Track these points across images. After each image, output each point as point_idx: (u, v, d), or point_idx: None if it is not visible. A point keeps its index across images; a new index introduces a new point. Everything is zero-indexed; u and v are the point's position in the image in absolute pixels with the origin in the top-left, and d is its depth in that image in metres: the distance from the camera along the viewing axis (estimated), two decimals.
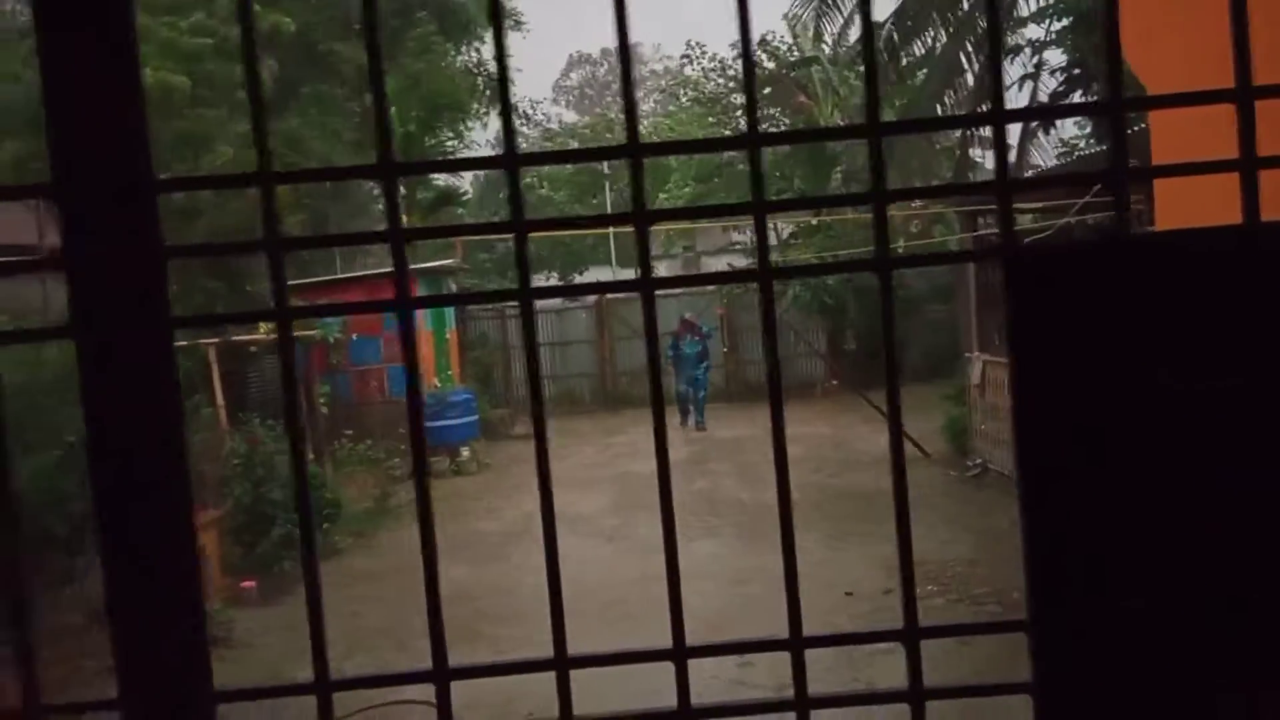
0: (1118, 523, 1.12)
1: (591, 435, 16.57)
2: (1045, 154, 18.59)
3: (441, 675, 1.16)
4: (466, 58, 21.56)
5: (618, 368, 20.69)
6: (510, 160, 1.18)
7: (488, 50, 22.37)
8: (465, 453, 14.45)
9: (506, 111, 1.22)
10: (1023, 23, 17.15)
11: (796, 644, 1.18)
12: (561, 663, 1.11)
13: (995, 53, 1.21)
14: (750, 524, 9.90)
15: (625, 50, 1.16)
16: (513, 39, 24.33)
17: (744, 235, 21.70)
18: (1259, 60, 1.27)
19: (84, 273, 1.13)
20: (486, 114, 21.85)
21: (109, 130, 1.12)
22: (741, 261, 21.39)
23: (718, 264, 21.50)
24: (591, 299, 21.00)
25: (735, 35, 1.15)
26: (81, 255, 1.13)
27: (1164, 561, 1.13)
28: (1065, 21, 16.35)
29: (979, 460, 11.51)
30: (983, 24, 16.53)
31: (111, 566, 1.13)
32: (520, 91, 29.28)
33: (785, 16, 19.24)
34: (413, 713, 5.39)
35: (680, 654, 1.14)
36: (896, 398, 1.21)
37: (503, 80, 1.21)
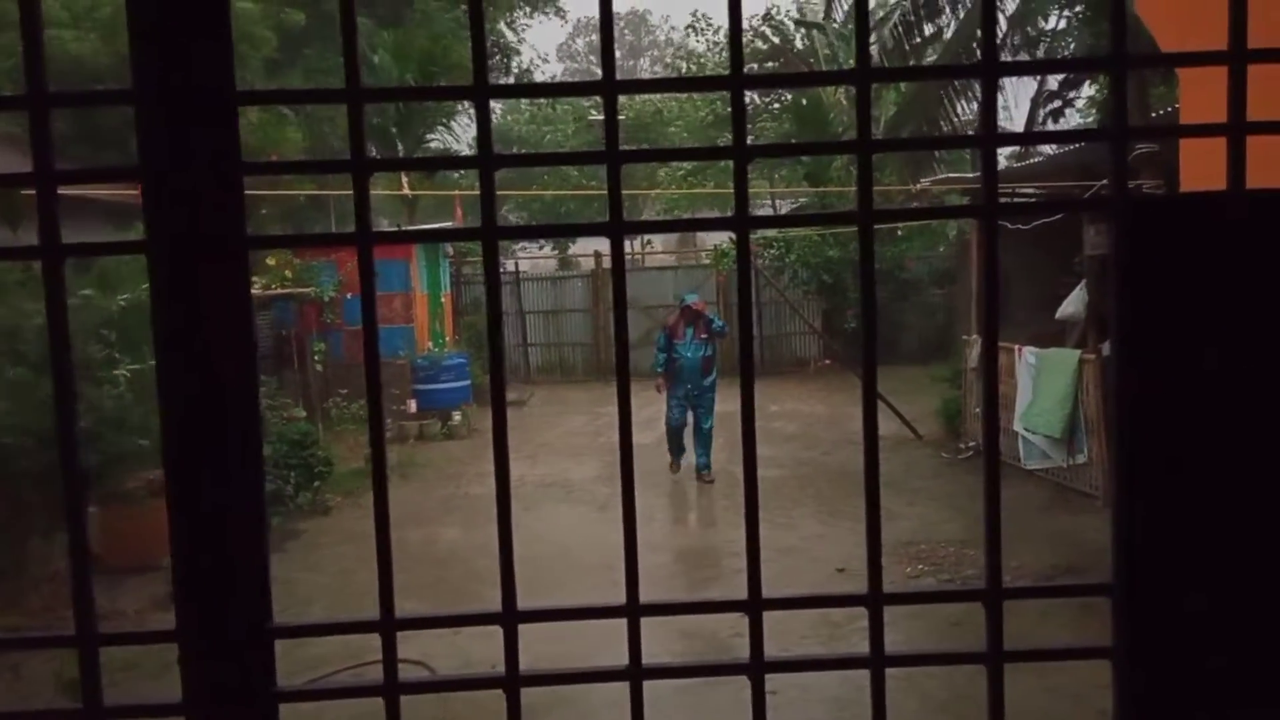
0: (1213, 491, 1.09)
1: (582, 404, 16.54)
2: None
3: (389, 625, 1.12)
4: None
5: (612, 338, 20.61)
6: (486, 160, 1.13)
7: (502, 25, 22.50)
8: (457, 417, 14.43)
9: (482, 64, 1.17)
10: (1039, 11, 17.01)
11: (754, 605, 1.15)
12: (510, 616, 1.07)
13: (989, 3, 1.16)
14: (741, 497, 9.88)
15: None
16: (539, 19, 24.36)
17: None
18: (1268, 27, 1.22)
19: (161, 186, 1.08)
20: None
21: (192, 39, 1.07)
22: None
23: (716, 237, 21.35)
24: (588, 268, 20.91)
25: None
26: (159, 168, 1.08)
27: (1258, 533, 1.10)
28: (1079, 9, 16.23)
29: (971, 443, 11.48)
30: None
31: (176, 489, 1.09)
32: (527, 59, 29.23)
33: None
34: (412, 670, 5.40)
35: (633, 611, 1.11)
36: (873, 354, 1.17)
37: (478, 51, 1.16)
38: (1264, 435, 1.10)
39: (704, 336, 11.03)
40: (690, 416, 10.99)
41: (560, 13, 25.03)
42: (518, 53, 24.59)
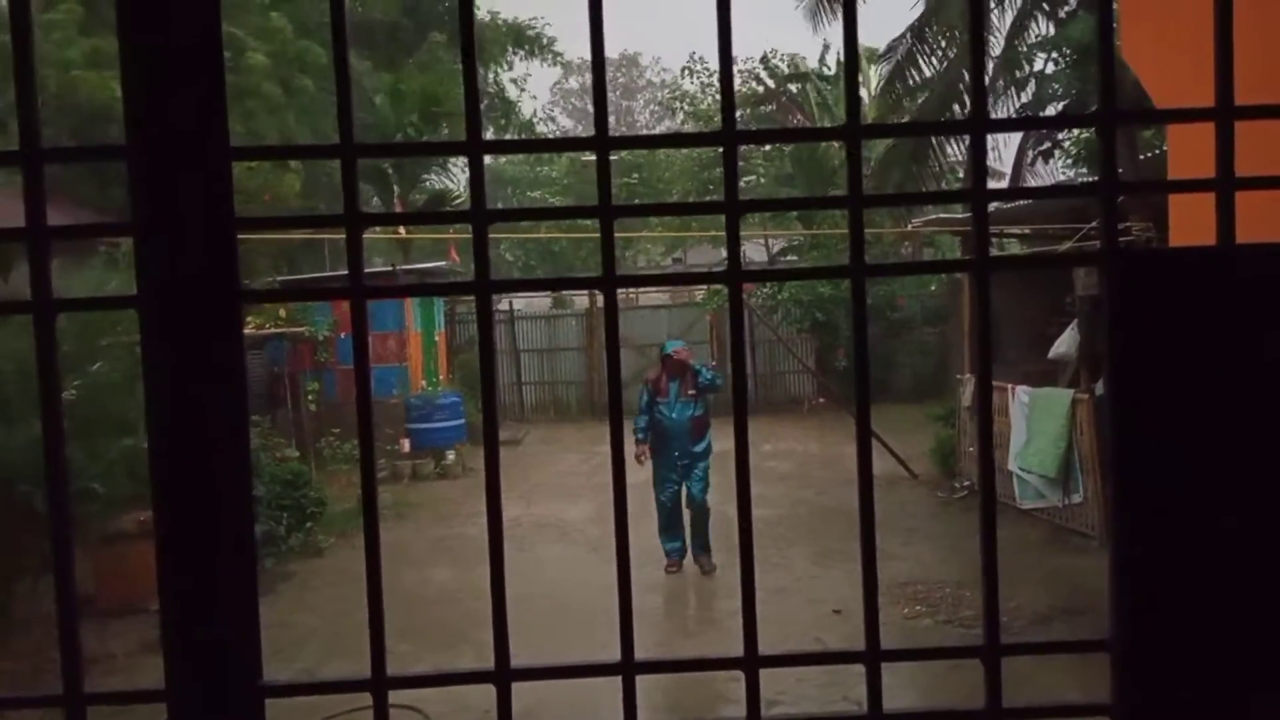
0: (1211, 540, 1.08)
1: (577, 443, 16.50)
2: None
3: (380, 684, 1.11)
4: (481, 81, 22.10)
5: (605, 376, 20.58)
6: (479, 215, 1.14)
7: (503, 75, 22.78)
8: (451, 456, 14.38)
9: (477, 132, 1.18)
10: (1025, 57, 17.17)
11: (751, 663, 1.14)
12: (503, 675, 1.06)
13: (977, 57, 1.17)
14: (736, 540, 9.80)
15: (598, 37, 1.12)
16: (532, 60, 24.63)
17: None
18: (1257, 77, 1.23)
19: (153, 239, 1.08)
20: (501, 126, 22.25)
21: (185, 93, 1.07)
22: None
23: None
24: (581, 307, 20.96)
25: (736, 49, 1.12)
26: (151, 221, 1.08)
27: (1258, 581, 1.09)
28: (1067, 52, 16.39)
29: (967, 482, 11.46)
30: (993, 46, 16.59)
31: (165, 548, 1.08)
32: (529, 110, 29.36)
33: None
34: (405, 715, 5.31)
35: (628, 668, 1.10)
36: (866, 404, 1.17)
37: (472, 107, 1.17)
38: (1259, 485, 1.10)
39: (692, 393, 8.93)
40: (677, 495, 9.00)
41: (557, 57, 25.23)
42: (517, 107, 24.74)
